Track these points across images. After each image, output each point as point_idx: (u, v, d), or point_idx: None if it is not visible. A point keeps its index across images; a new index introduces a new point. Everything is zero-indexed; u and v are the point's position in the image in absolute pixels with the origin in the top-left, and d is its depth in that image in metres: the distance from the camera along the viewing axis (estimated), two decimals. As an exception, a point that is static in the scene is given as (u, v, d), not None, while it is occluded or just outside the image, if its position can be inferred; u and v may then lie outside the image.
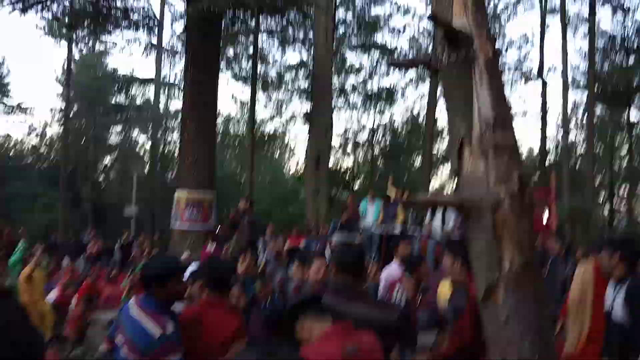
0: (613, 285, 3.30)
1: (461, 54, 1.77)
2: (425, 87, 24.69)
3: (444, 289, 4.35)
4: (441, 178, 29.77)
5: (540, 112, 22.52)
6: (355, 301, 2.44)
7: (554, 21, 24.98)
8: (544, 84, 21.34)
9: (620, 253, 3.26)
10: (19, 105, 29.24)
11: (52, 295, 8.79)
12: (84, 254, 14.24)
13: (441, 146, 27.36)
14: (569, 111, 21.06)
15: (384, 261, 9.64)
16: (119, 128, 31.33)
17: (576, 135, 25.87)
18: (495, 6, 23.37)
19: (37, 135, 31.34)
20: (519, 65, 24.85)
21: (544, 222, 10.80)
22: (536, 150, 27.32)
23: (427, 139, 19.16)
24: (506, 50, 24.84)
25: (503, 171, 1.71)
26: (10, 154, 31.25)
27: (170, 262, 2.74)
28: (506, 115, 1.73)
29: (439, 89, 21.51)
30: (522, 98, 31.96)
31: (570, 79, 20.71)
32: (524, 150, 29.28)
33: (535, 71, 22.43)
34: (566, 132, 19.19)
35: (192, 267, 5.65)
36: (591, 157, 18.67)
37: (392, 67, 24.11)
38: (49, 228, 24.56)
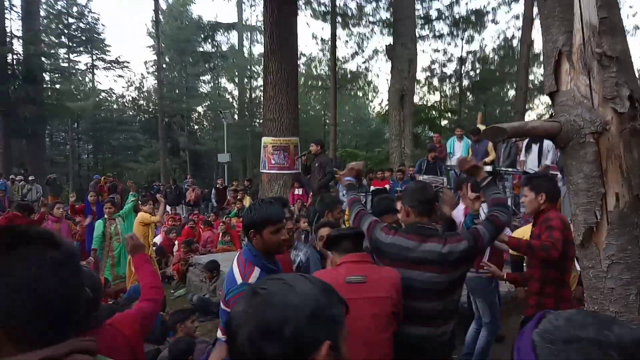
0: None
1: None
2: (519, 7, 22.54)
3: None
4: (537, 111, 27.62)
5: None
6: (428, 240, 2.50)
7: None
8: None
9: None
10: (116, 60, 31.08)
11: (157, 240, 9.56)
12: (183, 200, 15.29)
13: (538, 74, 25.14)
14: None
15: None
16: (208, 77, 32.34)
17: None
18: None
19: (135, 88, 33.37)
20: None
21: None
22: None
23: (522, 66, 17.59)
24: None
25: (610, 88, 1.37)
26: (113, 108, 33.66)
27: (269, 209, 2.45)
28: (615, 19, 1.37)
29: (535, 6, 19.52)
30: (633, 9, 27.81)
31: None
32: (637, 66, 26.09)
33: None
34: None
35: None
36: None
37: None
38: (152, 176, 26.59)
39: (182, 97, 29.62)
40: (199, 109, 32.18)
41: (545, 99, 27.01)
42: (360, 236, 2.64)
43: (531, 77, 23.53)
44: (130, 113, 33.43)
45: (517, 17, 23.25)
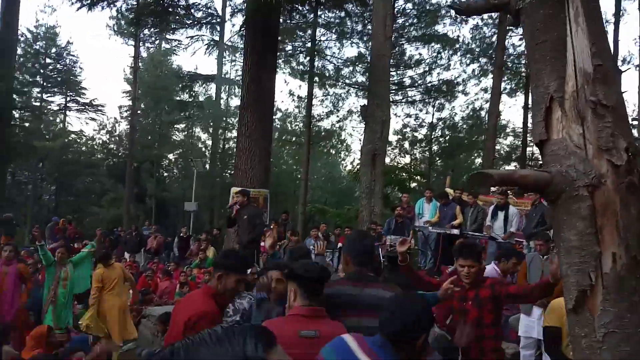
0: None
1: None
2: (488, 81, 23.65)
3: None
4: (504, 177, 28.37)
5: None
6: (367, 286, 2.56)
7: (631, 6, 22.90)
8: (619, 74, 19.69)
9: None
10: (90, 103, 30.79)
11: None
12: (144, 248, 14.71)
13: (504, 144, 26.09)
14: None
15: (440, 262, 9.21)
16: (182, 125, 32.27)
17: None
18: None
19: (106, 132, 32.94)
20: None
21: None
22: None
23: (490, 136, 18.23)
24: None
25: (606, 138, 1.28)
26: (82, 150, 32.96)
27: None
28: (609, 67, 1.31)
29: (503, 83, 20.51)
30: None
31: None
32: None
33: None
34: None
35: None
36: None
37: (457, 17, 22.79)
38: (114, 222, 25.71)
39: (154, 144, 29.33)
40: (170, 156, 31.88)
41: (511, 168, 27.88)
42: (323, 280, 2.48)
43: (497, 146, 24.37)
44: (99, 156, 32.79)
45: (485, 90, 24.43)
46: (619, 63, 19.76)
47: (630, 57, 21.57)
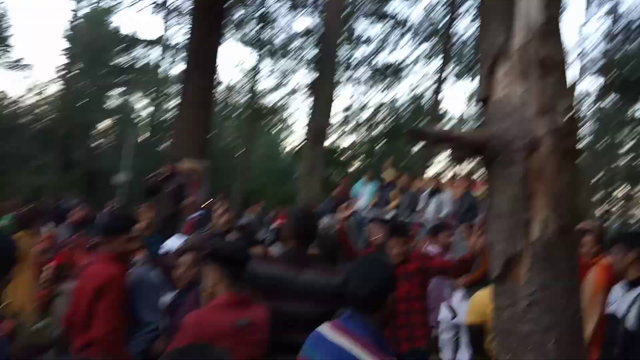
0: (625, 287, 2.90)
1: None
2: (433, 66, 24.02)
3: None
4: (439, 166, 29.29)
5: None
6: (304, 268, 2.45)
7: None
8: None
9: (637, 251, 2.86)
10: (18, 61, 28.58)
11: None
12: (67, 221, 13.86)
13: (445, 129, 26.71)
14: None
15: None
16: (118, 91, 30.70)
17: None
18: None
19: (35, 94, 30.69)
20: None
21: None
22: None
23: (432, 121, 18.65)
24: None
25: (548, 98, 1.22)
26: (4, 112, 30.62)
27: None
28: (558, 22, 1.25)
29: (448, 69, 20.84)
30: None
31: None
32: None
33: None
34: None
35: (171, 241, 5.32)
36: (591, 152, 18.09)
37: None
38: (41, 191, 24.21)
39: (89, 108, 27.75)
40: (104, 123, 30.31)
41: (448, 154, 28.74)
42: (248, 263, 2.36)
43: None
44: (24, 120, 30.60)
45: (428, 76, 24.85)
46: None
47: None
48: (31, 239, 6.34)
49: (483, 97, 1.31)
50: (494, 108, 1.28)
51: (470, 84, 24.93)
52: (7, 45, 29.00)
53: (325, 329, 1.82)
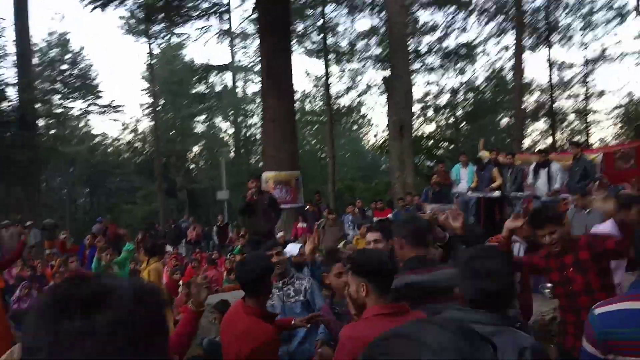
0: None
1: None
2: (508, 39, 23.01)
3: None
4: (532, 136, 27.81)
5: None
6: (430, 270, 2.44)
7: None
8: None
9: None
10: (109, 104, 31.20)
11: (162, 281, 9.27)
12: (184, 239, 15.04)
13: (529, 101, 25.47)
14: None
15: (483, 226, 9.12)
16: (202, 117, 32.56)
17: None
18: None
19: (130, 131, 33.40)
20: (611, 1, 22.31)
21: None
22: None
23: (516, 94, 17.83)
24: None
25: None
26: (109, 151, 33.61)
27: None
28: None
29: (523, 40, 19.84)
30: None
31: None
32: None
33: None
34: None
35: (290, 247, 5.55)
36: None
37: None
38: (149, 217, 26.32)
39: (178, 138, 29.68)
40: (195, 148, 32.24)
41: (539, 125, 27.29)
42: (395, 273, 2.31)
43: (523, 105, 23.86)
44: (126, 156, 33.39)
45: (506, 49, 23.77)
46: None
47: None
48: (161, 264, 7.00)
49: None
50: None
51: (546, 52, 23.59)
52: (99, 91, 31.81)
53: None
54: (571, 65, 25.04)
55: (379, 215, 11.18)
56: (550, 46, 23.46)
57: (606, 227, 3.94)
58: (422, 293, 2.41)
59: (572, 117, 26.93)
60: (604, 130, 27.21)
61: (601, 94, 25.60)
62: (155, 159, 25.95)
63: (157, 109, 28.61)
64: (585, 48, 24.10)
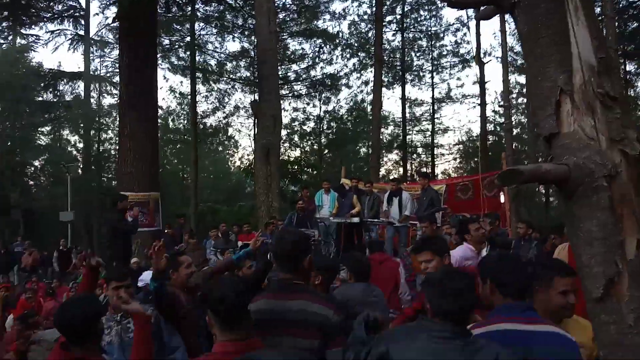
0: None
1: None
2: (368, 74, 24.73)
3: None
4: (387, 166, 30.03)
5: (479, 96, 23.19)
6: (296, 296, 2.22)
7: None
8: (482, 65, 21.62)
9: None
10: None
11: (-16, 316, 7.85)
12: (17, 266, 13.06)
13: (386, 133, 27.56)
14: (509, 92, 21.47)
15: (342, 250, 9.48)
16: (47, 128, 29.21)
17: (513, 117, 26.65)
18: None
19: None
20: (456, 49, 25.43)
21: (502, 204, 10.97)
22: (475, 133, 28.10)
23: (375, 126, 19.04)
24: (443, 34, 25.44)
25: (617, 129, 1.34)
26: None
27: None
28: (609, 60, 1.38)
29: (382, 76, 21.49)
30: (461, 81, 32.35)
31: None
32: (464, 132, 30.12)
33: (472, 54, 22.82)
34: (507, 110, 19.26)
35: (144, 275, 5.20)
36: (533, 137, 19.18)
37: (449, 8, 23.34)
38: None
39: (16, 150, 26.14)
40: (36, 162, 28.67)
41: (393, 156, 29.56)
42: (245, 304, 2.06)
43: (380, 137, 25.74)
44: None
45: (366, 83, 25.56)
46: (481, 55, 21.77)
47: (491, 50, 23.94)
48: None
49: (550, 132, 1.41)
50: (565, 142, 1.39)
51: (400, 89, 26.12)
52: None
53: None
54: (422, 103, 27.85)
55: (243, 239, 10.94)
56: (404, 84, 25.79)
57: (458, 251, 4.09)
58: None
59: (420, 150, 29.81)
60: (448, 163, 30.44)
61: (445, 130, 28.75)
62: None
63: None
64: (434, 88, 27.01)
